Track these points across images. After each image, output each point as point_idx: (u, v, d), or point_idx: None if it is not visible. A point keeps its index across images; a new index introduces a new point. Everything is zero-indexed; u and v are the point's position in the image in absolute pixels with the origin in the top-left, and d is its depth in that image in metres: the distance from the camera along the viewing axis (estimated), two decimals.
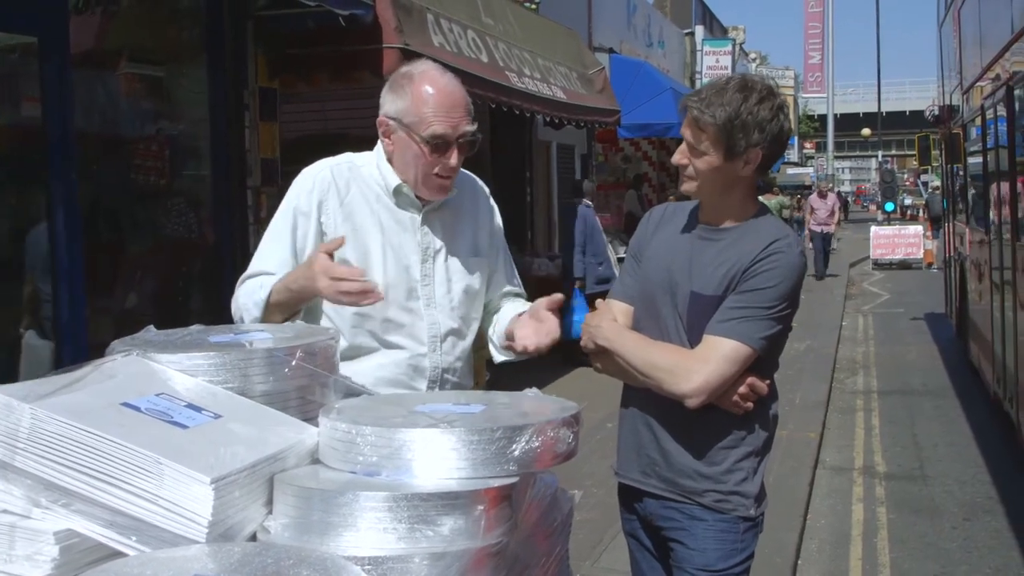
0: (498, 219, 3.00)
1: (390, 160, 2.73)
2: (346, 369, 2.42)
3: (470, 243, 2.84)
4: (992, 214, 8.73)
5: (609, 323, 2.74)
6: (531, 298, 2.88)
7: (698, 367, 2.54)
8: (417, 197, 2.73)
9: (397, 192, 2.72)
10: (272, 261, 2.70)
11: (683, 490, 2.70)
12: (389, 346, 2.69)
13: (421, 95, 2.62)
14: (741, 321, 2.56)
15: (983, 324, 9.37)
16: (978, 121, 9.62)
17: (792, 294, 2.63)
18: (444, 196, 2.73)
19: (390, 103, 2.68)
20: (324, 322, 2.70)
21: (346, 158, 2.81)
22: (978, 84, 9.37)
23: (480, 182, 2.98)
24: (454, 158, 2.63)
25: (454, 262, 2.78)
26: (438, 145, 2.61)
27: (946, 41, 12.04)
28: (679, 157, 2.68)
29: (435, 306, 2.73)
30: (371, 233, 2.70)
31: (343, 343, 2.57)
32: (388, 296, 2.64)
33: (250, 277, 2.71)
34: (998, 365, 8.42)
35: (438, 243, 2.76)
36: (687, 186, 2.71)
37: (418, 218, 2.74)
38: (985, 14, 8.74)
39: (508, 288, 2.98)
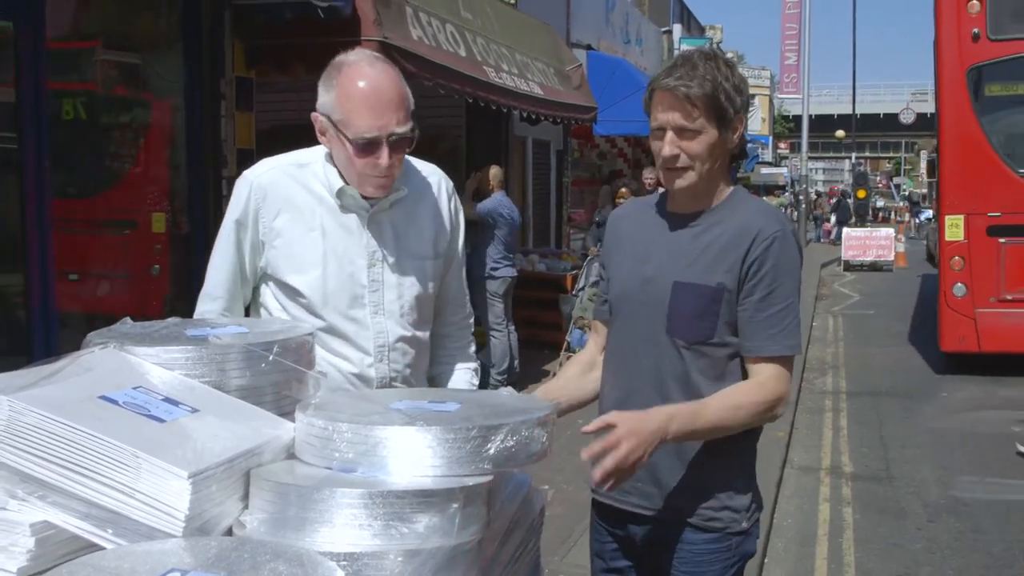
0: (461, 220, 2.82)
1: (331, 157, 2.59)
2: None
3: (427, 244, 2.69)
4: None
5: (681, 412, 2.38)
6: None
7: (775, 397, 2.49)
8: (364, 197, 2.57)
9: (341, 194, 2.57)
10: (219, 278, 2.66)
11: (668, 508, 2.56)
12: (335, 354, 2.59)
13: (347, 91, 2.45)
14: (780, 334, 2.47)
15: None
16: None
17: (799, 274, 2.56)
18: (385, 193, 2.56)
19: (321, 96, 2.51)
20: None
21: (292, 158, 2.67)
22: None
23: (444, 177, 2.80)
24: (384, 158, 2.46)
25: (407, 266, 2.63)
26: (366, 146, 2.45)
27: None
28: (670, 148, 2.46)
29: (384, 313, 2.60)
30: (312, 240, 2.57)
31: None
32: (329, 304, 2.57)
33: (206, 297, 2.68)
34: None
35: (388, 246, 2.61)
36: (682, 181, 2.50)
37: (364, 219, 2.60)
38: None
39: (455, 318, 2.87)
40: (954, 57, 10.43)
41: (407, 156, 2.62)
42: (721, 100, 2.44)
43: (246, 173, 2.67)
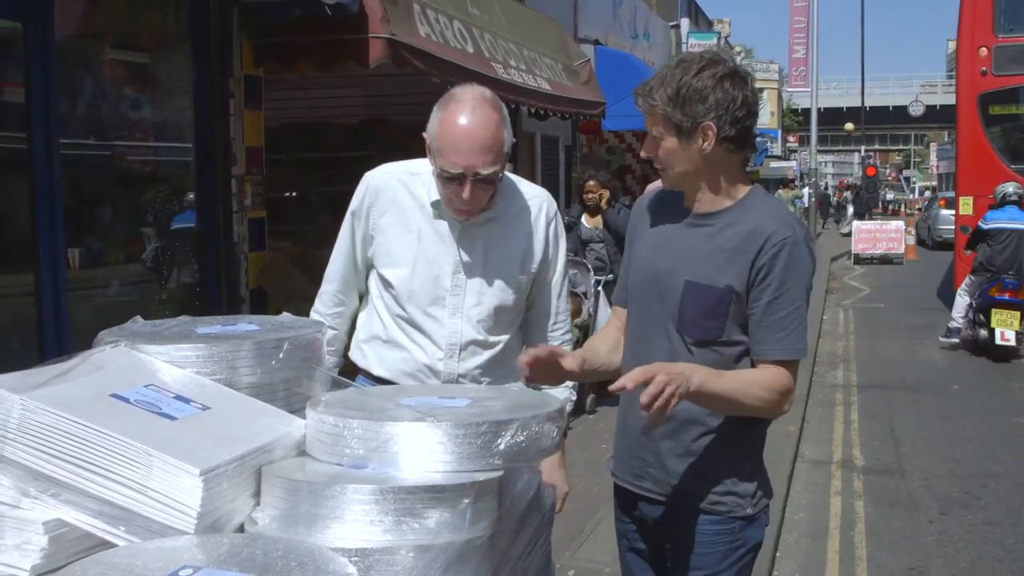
0: (560, 243, 2.97)
1: None
2: (381, 353, 2.86)
3: (514, 261, 2.87)
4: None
5: (703, 369, 2.41)
6: None
7: (784, 388, 2.51)
8: None
9: (437, 205, 2.80)
10: (336, 264, 2.99)
11: (676, 492, 2.61)
12: (413, 342, 2.84)
13: (445, 126, 2.66)
14: (786, 338, 2.49)
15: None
16: None
17: (811, 279, 2.55)
18: (465, 218, 2.78)
19: (431, 119, 2.72)
20: (369, 309, 2.93)
21: (407, 165, 2.91)
22: None
23: (548, 201, 2.98)
24: (466, 193, 2.66)
25: (490, 277, 2.83)
26: (449, 179, 2.66)
27: None
28: (644, 151, 2.60)
29: (461, 316, 2.81)
30: (408, 241, 2.82)
31: (384, 332, 2.87)
32: (412, 299, 2.81)
33: (325, 279, 3.02)
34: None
35: (475, 257, 2.82)
36: (666, 182, 2.62)
37: (456, 230, 2.81)
38: None
39: (555, 334, 2.98)
40: (969, 87, 15.37)
41: (515, 177, 2.94)
42: (674, 109, 2.45)
43: (367, 174, 2.94)
